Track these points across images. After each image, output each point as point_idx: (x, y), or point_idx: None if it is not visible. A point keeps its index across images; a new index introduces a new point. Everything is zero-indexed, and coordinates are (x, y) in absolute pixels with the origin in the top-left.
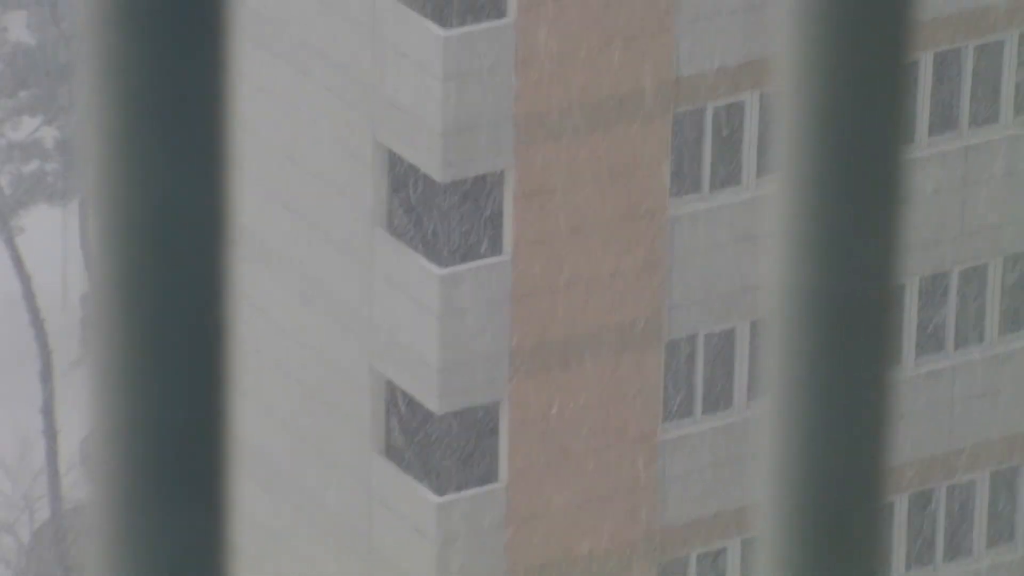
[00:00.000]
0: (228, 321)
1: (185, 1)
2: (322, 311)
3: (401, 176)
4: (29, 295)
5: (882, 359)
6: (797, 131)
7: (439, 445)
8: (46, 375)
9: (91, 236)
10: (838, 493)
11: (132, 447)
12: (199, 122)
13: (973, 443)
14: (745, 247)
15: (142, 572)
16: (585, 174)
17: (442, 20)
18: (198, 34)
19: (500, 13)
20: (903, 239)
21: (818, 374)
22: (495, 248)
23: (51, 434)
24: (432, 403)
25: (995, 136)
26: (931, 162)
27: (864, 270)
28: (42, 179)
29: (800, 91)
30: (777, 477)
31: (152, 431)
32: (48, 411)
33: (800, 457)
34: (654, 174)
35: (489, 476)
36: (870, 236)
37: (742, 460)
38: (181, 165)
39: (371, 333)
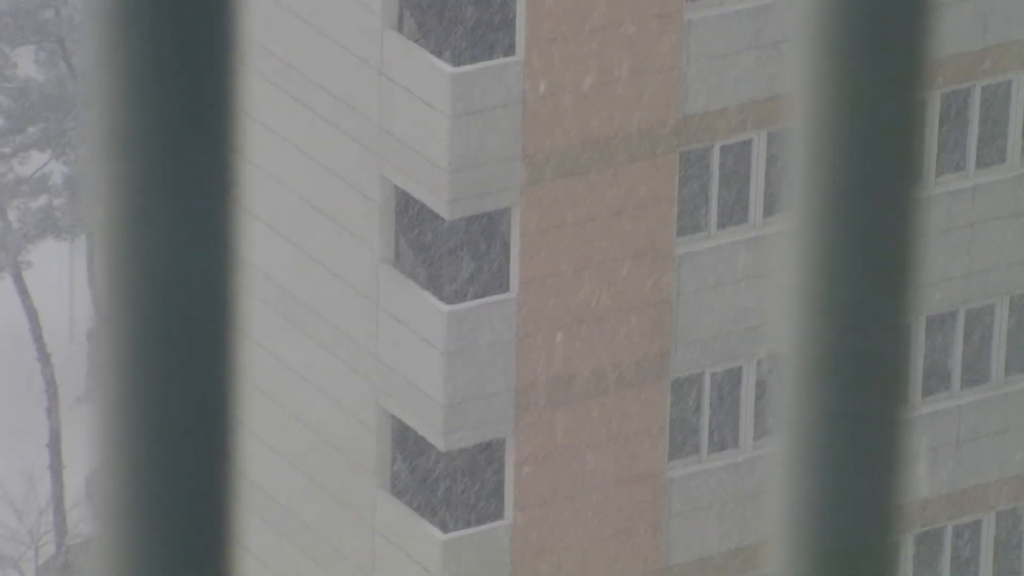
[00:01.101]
0: (235, 356)
1: (192, 36)
2: (328, 347)
3: (408, 213)
4: (36, 330)
5: (894, 399)
6: (809, 170)
7: (445, 482)
8: (52, 410)
9: (97, 272)
10: (850, 531)
11: (137, 483)
12: (205, 157)
13: (977, 483)
14: (751, 286)
15: None
16: (592, 212)
17: (451, 58)
18: (205, 69)
19: (508, 51)
20: (916, 279)
21: (830, 414)
22: (501, 285)
23: (57, 469)
24: (438, 440)
25: (1002, 176)
26: (939, 200)
27: (877, 311)
28: (50, 214)
29: (812, 130)
30: (788, 515)
31: (158, 467)
32: (54, 446)
33: (811, 496)
34: (661, 212)
35: (495, 513)
36: (883, 277)
37: (749, 499)
38: (187, 202)
39: (377, 370)
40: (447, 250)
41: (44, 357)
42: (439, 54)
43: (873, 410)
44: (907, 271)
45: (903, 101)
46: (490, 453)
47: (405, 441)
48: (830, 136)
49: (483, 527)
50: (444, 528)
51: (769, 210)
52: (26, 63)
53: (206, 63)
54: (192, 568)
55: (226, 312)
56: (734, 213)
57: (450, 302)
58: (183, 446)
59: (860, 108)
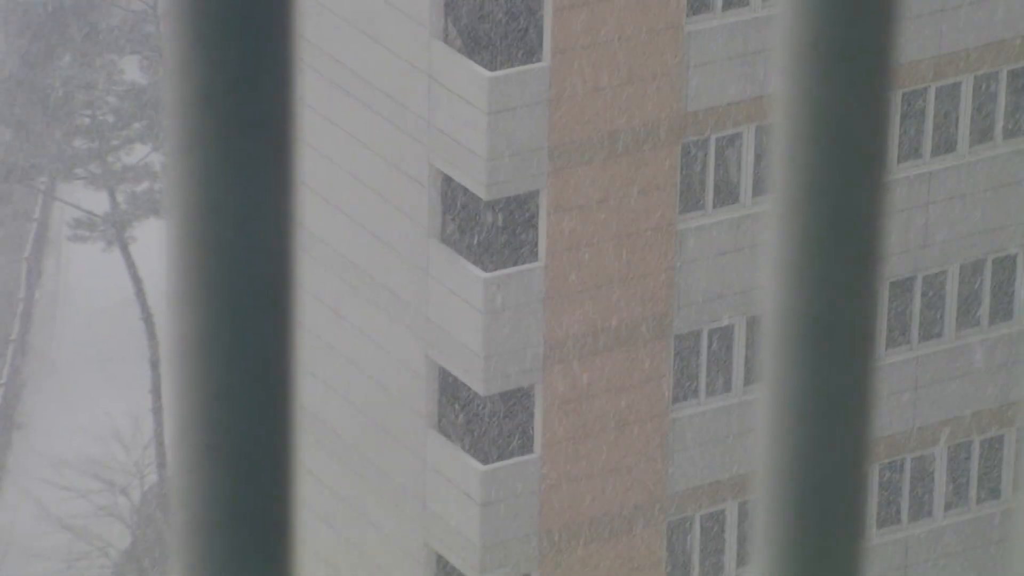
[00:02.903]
0: (294, 321)
1: (259, 46)
2: (385, 309)
3: (452, 194)
4: (141, 295)
5: (864, 351)
6: (790, 158)
7: (483, 422)
8: (154, 362)
9: (169, 245)
10: (826, 465)
11: (209, 439)
12: (270, 144)
13: (934, 421)
14: (741, 256)
15: (223, 545)
16: (607, 194)
17: (488, 63)
18: (269, 75)
19: (537, 58)
20: (883, 249)
21: (808, 363)
22: (531, 256)
23: (158, 411)
24: (478, 386)
25: (954, 163)
26: (900, 184)
27: (849, 277)
28: (151, 197)
29: (793, 124)
30: (772, 451)
31: (226, 422)
32: (156, 391)
33: (791, 434)
34: (665, 194)
35: (525, 448)
36: (854, 247)
37: (739, 436)
38: (253, 181)
39: (427, 327)
40: (485, 226)
41: (147, 316)
42: (478, 60)
43: (847, 361)
44: (875, 244)
45: (871, 99)
46: (522, 397)
47: (450, 388)
48: (808, 129)
49: (515, 460)
50: (483, 461)
51: (757, 192)
52: (132, 69)
53: (270, 70)
54: (258, 506)
55: (288, 281)
56: (727, 195)
57: (488, 270)
58: (250, 401)
59: (834, 106)
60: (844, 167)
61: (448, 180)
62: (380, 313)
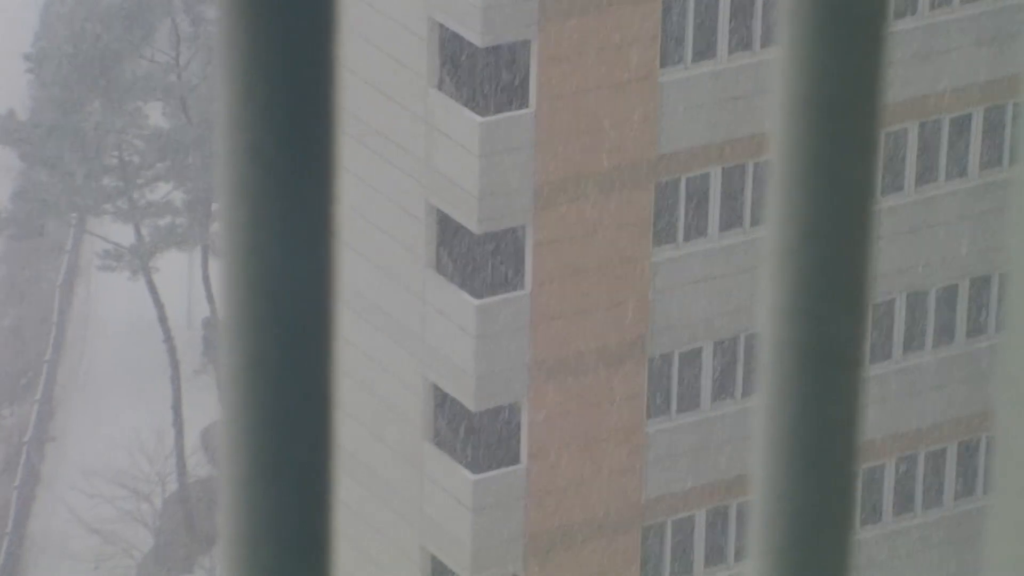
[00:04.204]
0: (334, 347)
1: (302, 100)
2: (386, 332)
3: (447, 229)
4: (163, 319)
5: (853, 363)
6: (784, 191)
7: (474, 435)
8: (175, 379)
9: (220, 276)
10: (818, 469)
11: (252, 440)
12: (313, 193)
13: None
14: (710, 285)
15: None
16: (587, 228)
17: (479, 110)
18: (314, 120)
19: (524, 104)
20: (871, 274)
21: (800, 375)
22: (518, 284)
23: (179, 425)
24: (470, 403)
25: (935, 193)
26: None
27: (839, 296)
28: (173, 231)
29: (786, 160)
30: (767, 455)
31: (268, 427)
32: (177, 407)
33: (785, 440)
34: (640, 228)
35: (512, 459)
36: (845, 271)
37: (708, 449)
38: (297, 228)
39: (424, 349)
40: (476, 257)
41: (168, 339)
42: (471, 107)
43: (836, 375)
44: (863, 270)
45: (860, 136)
46: (509, 413)
47: (445, 404)
48: (801, 166)
49: (504, 470)
50: (474, 471)
51: (724, 227)
52: (155, 115)
53: (314, 123)
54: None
55: (328, 312)
56: (697, 229)
57: (479, 297)
58: (290, 405)
59: (826, 143)
60: (835, 198)
61: (443, 215)
62: (381, 336)
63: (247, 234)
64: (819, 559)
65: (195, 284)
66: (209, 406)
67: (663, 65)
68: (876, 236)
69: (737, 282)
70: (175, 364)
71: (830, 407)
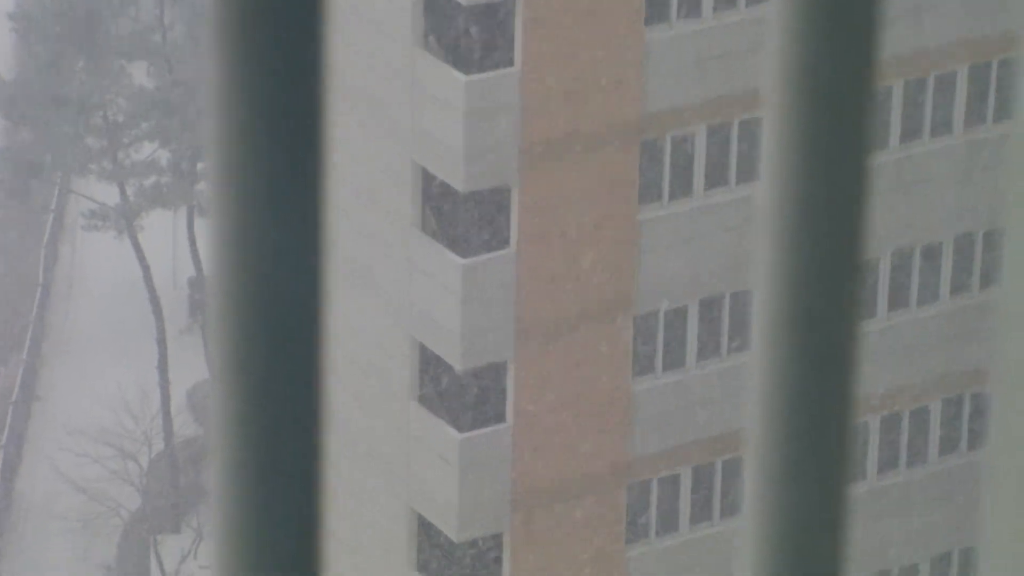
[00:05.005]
0: (324, 312)
1: (288, 48)
2: (372, 293)
3: (432, 188)
4: (148, 279)
5: (850, 315)
6: (778, 148)
7: (461, 394)
8: (161, 339)
9: (211, 239)
10: (816, 420)
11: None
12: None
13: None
14: (695, 244)
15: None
16: (573, 187)
17: (464, 69)
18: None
19: (509, 63)
20: (867, 228)
21: (796, 328)
22: (504, 244)
23: (164, 385)
24: (456, 362)
25: (922, 149)
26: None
27: (836, 249)
28: (158, 190)
29: (782, 117)
30: (764, 406)
31: (258, 390)
32: (162, 367)
33: (782, 390)
34: (626, 188)
35: (498, 418)
36: (841, 224)
37: (694, 407)
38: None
39: (409, 309)
40: (462, 217)
41: (154, 299)
42: (456, 66)
43: (833, 329)
44: (859, 224)
45: (856, 93)
46: (495, 372)
47: (431, 363)
48: (796, 123)
49: (489, 429)
50: (460, 429)
51: (709, 185)
52: (139, 74)
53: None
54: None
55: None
56: (682, 188)
57: (464, 257)
58: (283, 369)
59: (822, 100)
60: (831, 153)
61: (428, 175)
62: (367, 297)
63: (236, 198)
64: (814, 514)
65: (180, 244)
66: (195, 366)
67: (648, 24)
68: (871, 194)
69: (722, 241)
70: (161, 324)
71: (826, 365)
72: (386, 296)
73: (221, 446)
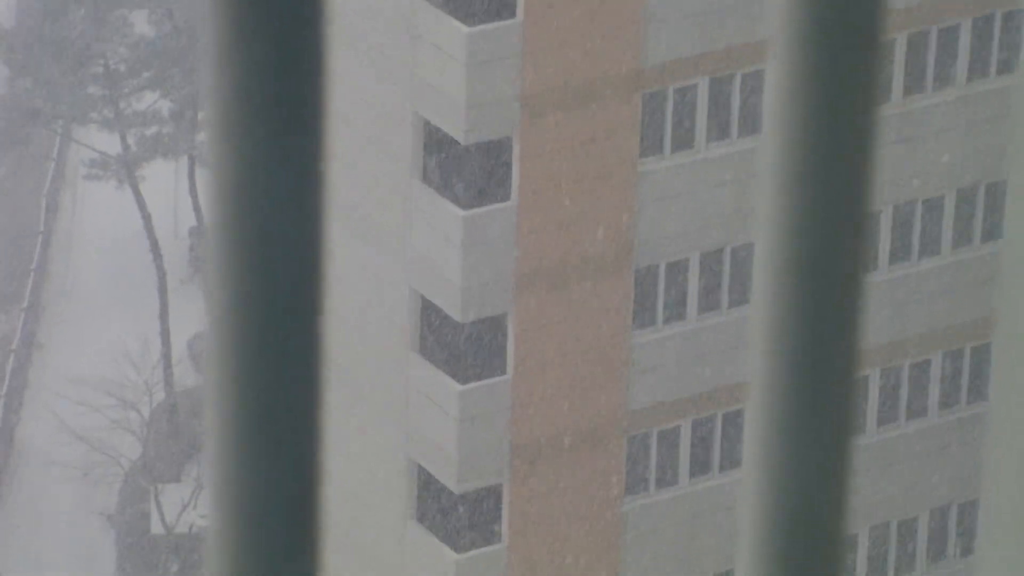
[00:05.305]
0: (323, 261)
1: (291, 43)
2: (372, 243)
3: (433, 139)
4: (149, 228)
5: (854, 268)
6: (782, 101)
7: (461, 345)
8: (162, 289)
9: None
10: (818, 373)
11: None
12: (301, 101)
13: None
14: (696, 196)
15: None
16: (574, 139)
17: (466, 20)
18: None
19: (511, 15)
20: (872, 181)
21: (800, 282)
22: (505, 195)
23: (165, 334)
24: (456, 313)
25: (926, 103)
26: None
27: (840, 203)
28: (159, 140)
29: (785, 69)
30: (765, 359)
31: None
32: (163, 316)
33: (783, 344)
34: (627, 139)
35: (499, 370)
36: (846, 177)
37: (694, 360)
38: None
39: (410, 260)
40: (463, 168)
41: (155, 249)
42: (457, 17)
43: (835, 282)
44: (863, 177)
45: (862, 45)
46: (495, 324)
47: (430, 315)
48: (800, 75)
49: (489, 380)
50: (460, 381)
51: (711, 138)
52: (140, 23)
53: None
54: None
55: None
56: (683, 140)
57: (465, 208)
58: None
59: (827, 52)
60: (836, 105)
61: (430, 126)
62: (368, 248)
63: (235, 149)
64: (815, 467)
65: (182, 193)
66: (196, 315)
67: None
68: (876, 147)
69: (724, 193)
70: (162, 273)
71: (828, 318)
72: (387, 247)
73: (217, 397)
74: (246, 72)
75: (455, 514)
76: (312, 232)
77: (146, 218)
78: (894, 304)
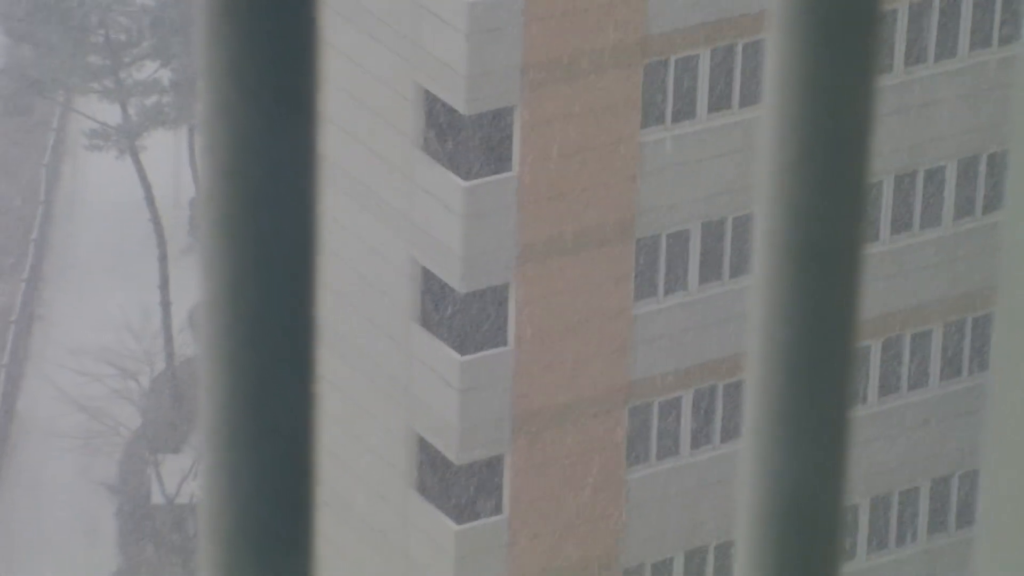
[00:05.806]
0: (318, 230)
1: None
2: (374, 213)
3: (435, 109)
4: (150, 198)
5: (854, 239)
6: (783, 71)
7: (461, 317)
8: (162, 259)
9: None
10: (817, 345)
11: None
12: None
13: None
14: (697, 166)
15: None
16: (576, 109)
17: None
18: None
19: None
20: (871, 152)
21: (800, 252)
22: (506, 166)
23: (166, 304)
24: (456, 284)
25: (926, 73)
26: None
27: (840, 172)
28: (160, 110)
29: (786, 39)
30: (766, 329)
31: (251, 307)
32: (164, 286)
33: (784, 314)
34: (628, 110)
35: (499, 341)
36: (845, 147)
37: (695, 330)
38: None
39: (411, 230)
40: (465, 138)
41: (156, 219)
42: None
43: (836, 245)
44: (863, 147)
45: (863, 15)
46: (496, 295)
47: (432, 285)
48: (801, 46)
49: (490, 351)
50: (462, 352)
51: (712, 108)
52: None
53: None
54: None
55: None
56: (685, 111)
57: (467, 179)
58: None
59: (828, 22)
60: (835, 74)
61: (432, 96)
62: (369, 218)
63: (230, 120)
64: (815, 437)
65: (182, 164)
66: (196, 285)
67: None
68: (876, 117)
69: (725, 164)
70: (162, 243)
71: (829, 288)
72: (388, 217)
73: (212, 370)
74: (240, 46)
75: (456, 485)
76: (307, 206)
77: (147, 188)
78: (896, 274)
